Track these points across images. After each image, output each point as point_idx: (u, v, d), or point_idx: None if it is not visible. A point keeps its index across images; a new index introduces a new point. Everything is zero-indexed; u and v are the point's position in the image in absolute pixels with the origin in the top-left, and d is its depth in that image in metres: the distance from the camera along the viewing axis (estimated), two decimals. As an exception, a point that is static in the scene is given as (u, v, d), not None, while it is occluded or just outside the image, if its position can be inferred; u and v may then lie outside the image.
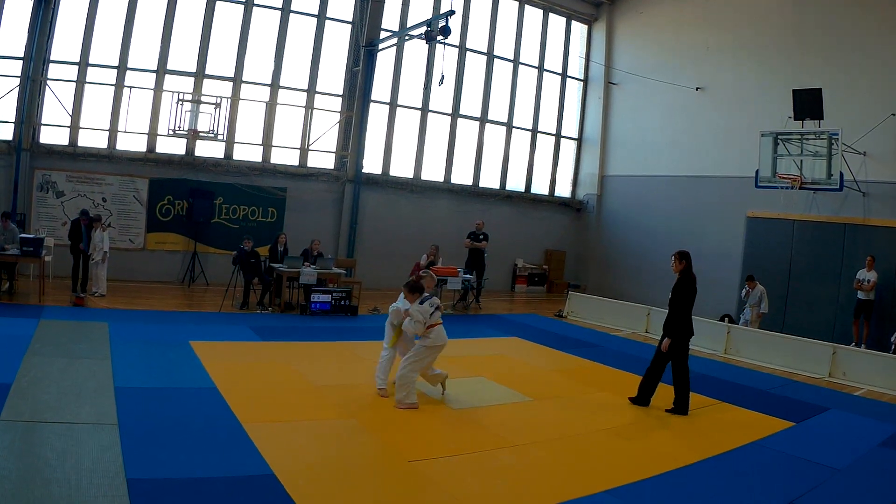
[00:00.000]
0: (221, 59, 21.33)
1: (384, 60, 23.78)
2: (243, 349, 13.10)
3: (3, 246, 15.38)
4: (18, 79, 18.59)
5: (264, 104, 21.93)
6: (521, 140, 27.51)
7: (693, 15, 24.75)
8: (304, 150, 22.65)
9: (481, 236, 21.42)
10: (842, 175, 18.10)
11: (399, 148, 24.79)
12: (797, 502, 7.55)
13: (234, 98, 21.27)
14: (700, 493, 7.70)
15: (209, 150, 21.18)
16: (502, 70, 26.71)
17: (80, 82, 19.49)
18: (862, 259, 18.40)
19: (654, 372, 11.27)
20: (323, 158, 23.26)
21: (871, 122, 18.60)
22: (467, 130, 26.14)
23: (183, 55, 20.76)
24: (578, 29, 28.62)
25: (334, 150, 23.19)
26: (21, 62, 18.61)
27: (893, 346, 16.67)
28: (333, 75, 23.21)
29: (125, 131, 19.93)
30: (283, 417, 9.06)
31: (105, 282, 17.21)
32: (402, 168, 24.86)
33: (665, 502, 7.39)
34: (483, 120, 26.28)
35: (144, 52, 20.28)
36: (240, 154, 21.79)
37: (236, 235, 20.18)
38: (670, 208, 24.79)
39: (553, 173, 28.59)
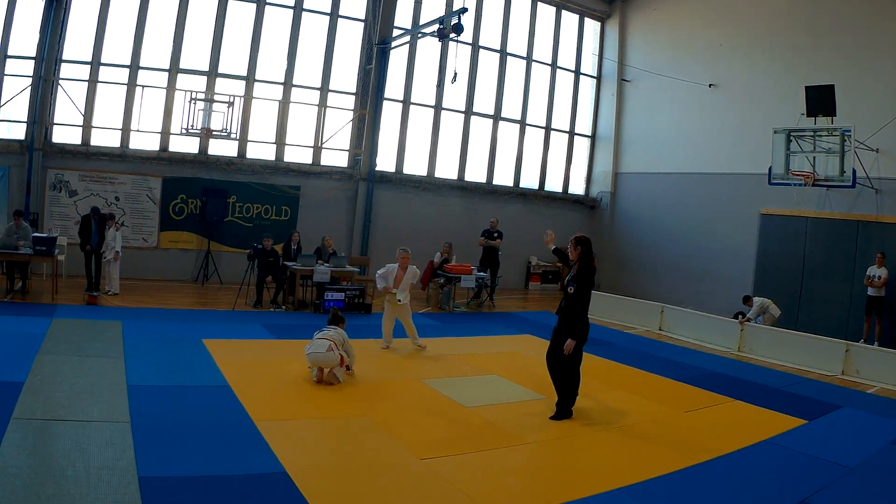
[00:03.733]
0: (234, 58, 21.36)
1: (397, 58, 23.78)
2: (256, 347, 13.12)
3: (17, 245, 15.43)
4: (31, 79, 18.67)
5: (277, 102, 21.94)
6: (534, 137, 27.45)
7: (706, 11, 24.64)
8: (317, 149, 22.66)
9: (495, 234, 21.39)
10: (854, 172, 17.97)
11: (412, 146, 24.77)
12: (809, 500, 7.51)
13: (247, 96, 21.30)
14: (712, 491, 7.68)
15: (222, 148, 21.23)
16: (515, 67, 26.65)
17: (93, 82, 19.55)
18: (875, 256, 18.32)
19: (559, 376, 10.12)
20: (336, 156, 23.27)
21: (883, 119, 18.47)
22: (480, 128, 26.08)
23: (195, 54, 20.80)
24: (591, 26, 28.53)
25: (347, 148, 23.20)
26: (33, 62, 18.69)
27: None
28: (346, 73, 23.21)
29: (138, 130, 20.01)
30: (296, 415, 9.09)
31: (118, 280, 17.27)
32: (415, 166, 24.86)
33: (677, 500, 7.36)
34: (496, 117, 26.24)
35: (157, 51, 20.33)
36: (253, 152, 21.81)
37: (250, 234, 20.36)
38: (683, 205, 24.72)
39: (566, 171, 28.52)
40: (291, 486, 6.71)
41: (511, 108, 26.64)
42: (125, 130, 19.95)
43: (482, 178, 26.24)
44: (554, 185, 28.22)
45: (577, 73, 28.34)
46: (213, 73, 20.90)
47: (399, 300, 13.60)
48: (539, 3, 26.84)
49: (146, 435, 7.59)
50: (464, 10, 18.98)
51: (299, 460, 7.44)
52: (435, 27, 19.88)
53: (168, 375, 10.27)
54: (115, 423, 7.86)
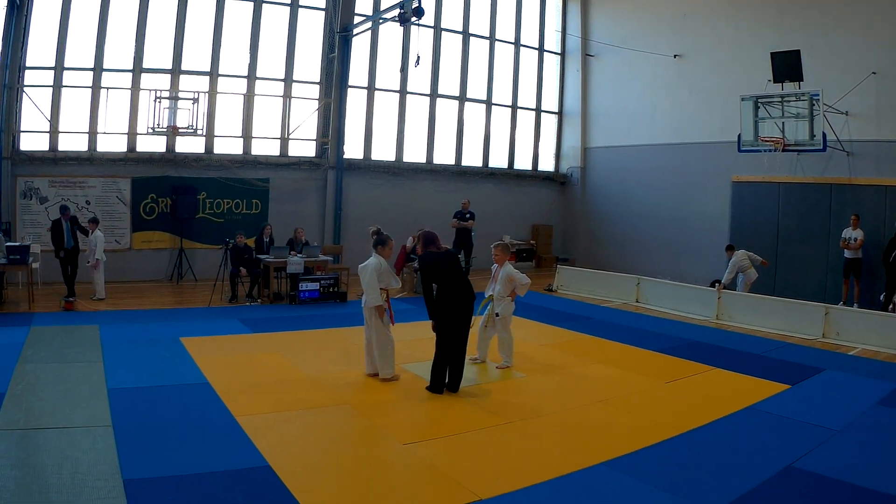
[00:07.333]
0: (197, 54, 21.15)
1: (360, 45, 23.65)
2: (234, 342, 13.06)
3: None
4: (-6, 87, 18.49)
5: (242, 96, 21.83)
6: (501, 117, 27.49)
7: (668, -19, 24.71)
8: (284, 140, 22.59)
9: (468, 215, 21.42)
10: (825, 135, 18.05)
11: (379, 132, 24.70)
12: (796, 465, 7.58)
13: (212, 92, 21.14)
14: (698, 460, 7.75)
15: (189, 145, 21.10)
16: (479, 48, 26.63)
17: (57, 86, 19.32)
18: (849, 218, 18.44)
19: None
20: (304, 147, 23.21)
21: (851, 82, 18.58)
22: (447, 110, 26.10)
23: (158, 52, 20.56)
24: (553, 2, 28.48)
25: (314, 137, 23.15)
26: (-5, 70, 18.51)
27: (886, 304, 16.77)
28: (310, 63, 23.10)
29: (105, 132, 19.83)
30: (277, 408, 9.07)
31: (103, 285, 17.13)
32: (383, 152, 24.80)
33: (663, 470, 7.42)
34: (462, 99, 26.22)
35: (119, 52, 20.09)
36: (220, 148, 21.69)
37: (222, 229, 20.23)
38: (655, 177, 24.82)
39: (535, 148, 28.60)
40: (275, 479, 6.73)
41: (476, 89, 26.63)
42: (92, 133, 19.78)
43: (451, 161, 26.27)
44: (523, 163, 28.29)
45: (541, 50, 28.35)
46: (176, 71, 20.71)
47: (496, 313, 11.92)
48: (500, -17, 26.83)
49: (129, 437, 7.59)
50: (424, -8, 18.92)
51: (282, 453, 7.45)
52: (396, 12, 19.76)
53: (147, 376, 10.24)
54: (98, 428, 7.85)
